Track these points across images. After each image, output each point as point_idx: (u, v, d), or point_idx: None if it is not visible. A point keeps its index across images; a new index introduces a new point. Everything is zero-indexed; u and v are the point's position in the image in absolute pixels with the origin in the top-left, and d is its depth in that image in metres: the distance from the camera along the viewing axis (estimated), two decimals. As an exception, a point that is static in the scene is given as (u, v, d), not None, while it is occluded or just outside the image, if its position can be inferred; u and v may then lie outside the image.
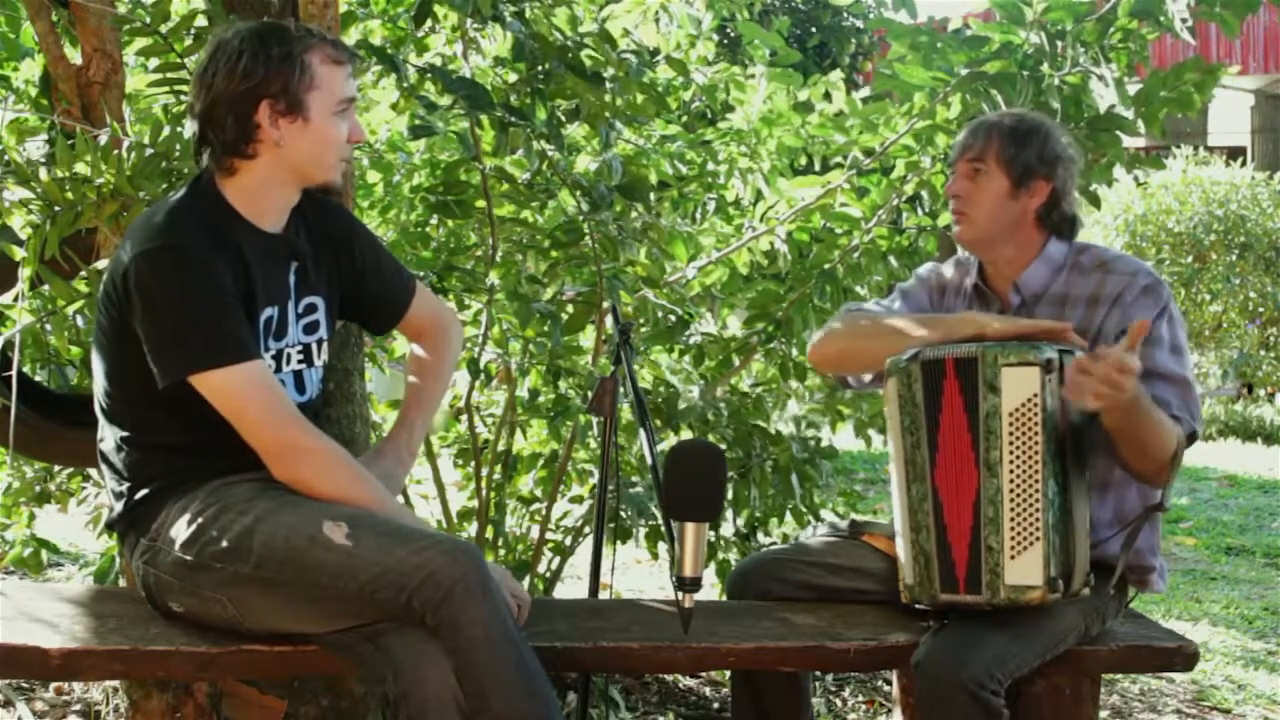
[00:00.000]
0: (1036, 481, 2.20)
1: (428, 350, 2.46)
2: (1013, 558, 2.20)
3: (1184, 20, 3.14)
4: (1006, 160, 2.41)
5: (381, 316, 2.43)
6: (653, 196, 3.42)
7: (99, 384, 2.19)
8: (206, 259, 2.06)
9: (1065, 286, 2.43)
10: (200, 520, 2.08)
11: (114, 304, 2.11)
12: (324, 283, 2.29)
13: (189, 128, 2.18)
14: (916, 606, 2.35)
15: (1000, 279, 2.49)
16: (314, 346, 2.27)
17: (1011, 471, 2.21)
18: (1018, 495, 2.21)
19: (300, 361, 2.25)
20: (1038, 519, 2.20)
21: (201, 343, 2.05)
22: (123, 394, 2.16)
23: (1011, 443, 2.21)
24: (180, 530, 2.09)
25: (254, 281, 2.14)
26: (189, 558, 2.08)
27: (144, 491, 2.16)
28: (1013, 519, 2.21)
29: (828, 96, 3.82)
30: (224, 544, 2.05)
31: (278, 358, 2.21)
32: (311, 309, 2.26)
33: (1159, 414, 2.25)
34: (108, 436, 2.20)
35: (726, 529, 3.55)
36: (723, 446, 3.20)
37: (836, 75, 3.86)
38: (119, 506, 2.19)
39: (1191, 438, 2.33)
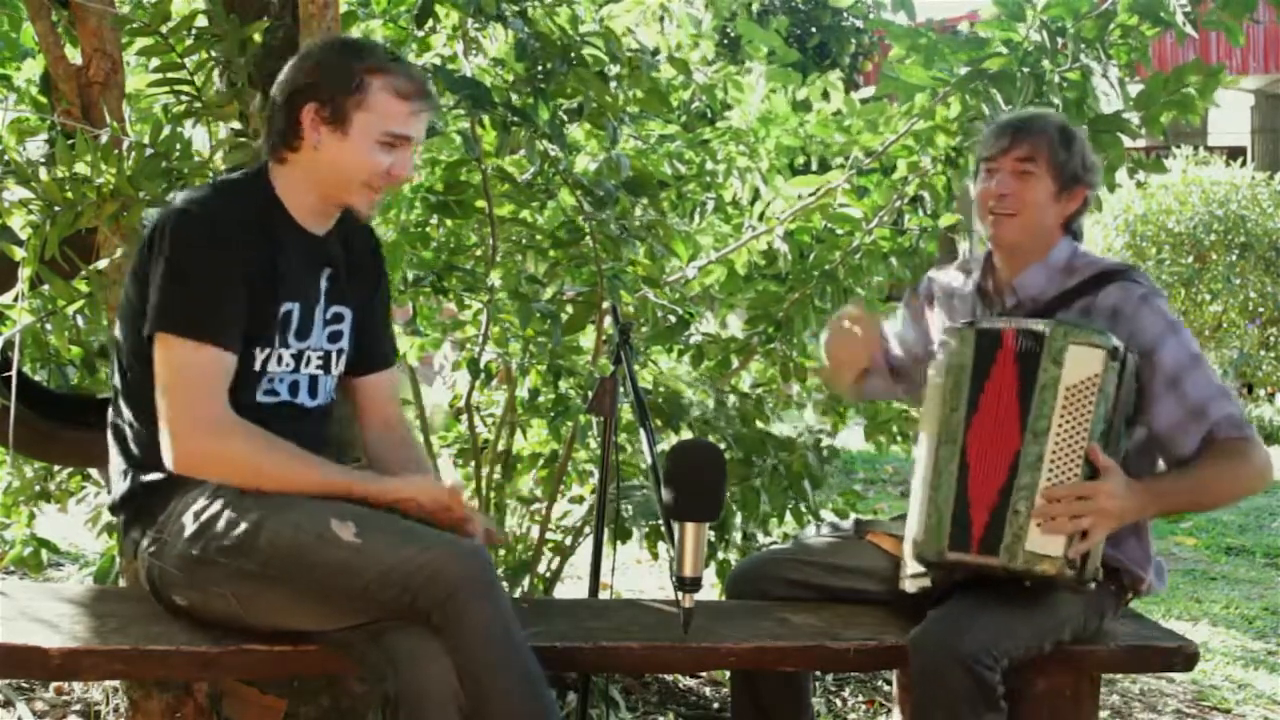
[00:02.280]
0: (1078, 458, 2.22)
1: (387, 442, 2.40)
2: (1039, 525, 2.22)
3: (1185, 13, 3.14)
4: (1058, 164, 2.39)
5: (360, 355, 2.37)
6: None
7: (122, 355, 2.21)
8: (229, 238, 2.10)
9: (1059, 290, 2.42)
10: (207, 515, 2.08)
11: (142, 258, 2.15)
12: (355, 298, 2.31)
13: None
14: (920, 563, 2.33)
15: (1004, 279, 2.49)
16: (334, 355, 2.28)
17: (1056, 442, 2.23)
18: (1057, 466, 2.23)
19: (319, 367, 2.26)
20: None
21: (179, 307, 2.08)
22: (139, 364, 2.16)
23: (1062, 415, 2.23)
24: (187, 524, 2.09)
25: (278, 272, 2.16)
26: (195, 552, 2.08)
27: (150, 476, 2.17)
28: (1048, 488, 2.22)
29: (826, 96, 3.82)
30: (230, 540, 2.05)
31: (298, 358, 2.22)
32: (339, 318, 2.28)
33: (1195, 484, 2.30)
34: (121, 413, 2.22)
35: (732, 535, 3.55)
36: (723, 446, 3.20)
37: (835, 75, 3.86)
38: (124, 486, 2.20)
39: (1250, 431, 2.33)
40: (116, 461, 2.22)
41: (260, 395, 2.19)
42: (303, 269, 2.20)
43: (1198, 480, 2.31)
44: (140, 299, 2.13)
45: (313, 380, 2.26)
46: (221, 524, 2.07)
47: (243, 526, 2.05)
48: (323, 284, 2.25)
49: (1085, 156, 2.43)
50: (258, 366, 2.17)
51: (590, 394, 2.57)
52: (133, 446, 2.19)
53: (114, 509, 2.26)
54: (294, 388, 2.23)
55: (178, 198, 2.16)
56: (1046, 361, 2.24)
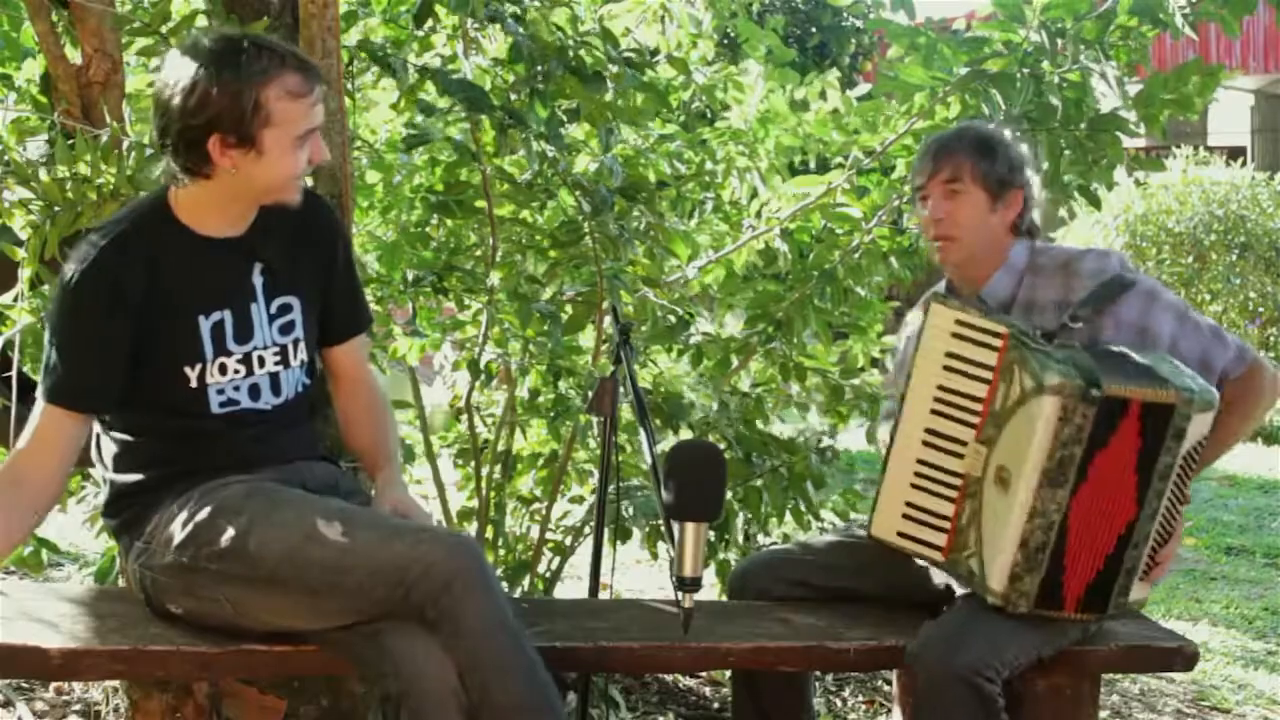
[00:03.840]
0: (1179, 509, 2.29)
1: (355, 405, 2.41)
2: (1141, 579, 2.27)
3: (1185, 15, 3.14)
4: (982, 175, 2.39)
5: (327, 327, 2.35)
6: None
7: None
8: (97, 303, 2.09)
9: (1030, 291, 2.41)
10: (195, 522, 2.09)
11: None
12: (301, 281, 2.27)
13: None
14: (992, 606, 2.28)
15: (968, 292, 2.47)
16: (290, 347, 2.25)
17: (1167, 505, 2.25)
18: (1164, 525, 2.27)
19: (277, 363, 2.23)
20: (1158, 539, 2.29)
21: (45, 376, 2.12)
22: None
23: (1176, 480, 2.24)
24: (175, 532, 2.10)
25: (189, 288, 2.14)
26: (185, 560, 2.09)
27: (125, 478, 2.19)
28: (1153, 544, 2.27)
29: (823, 95, 3.82)
30: (219, 546, 2.06)
31: (246, 361, 2.19)
32: (286, 309, 2.25)
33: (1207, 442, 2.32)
34: (101, 434, 2.23)
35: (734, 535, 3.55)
36: (723, 446, 3.20)
37: (832, 74, 3.85)
38: (106, 492, 2.23)
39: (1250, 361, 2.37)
40: (98, 468, 2.24)
41: (216, 408, 2.17)
42: (221, 275, 2.18)
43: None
44: None
45: (273, 378, 2.23)
46: (210, 531, 2.07)
47: (231, 532, 2.05)
48: (256, 280, 2.21)
49: (1011, 159, 2.42)
50: (194, 384, 2.15)
51: (590, 394, 2.57)
52: (109, 452, 2.21)
53: (104, 514, 2.27)
54: (254, 391, 2.21)
55: (75, 249, 2.15)
56: (1170, 441, 2.18)
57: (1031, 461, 2.18)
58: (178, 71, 2.05)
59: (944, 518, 2.32)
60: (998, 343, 2.25)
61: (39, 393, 2.13)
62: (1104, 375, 2.16)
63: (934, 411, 2.33)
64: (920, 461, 2.35)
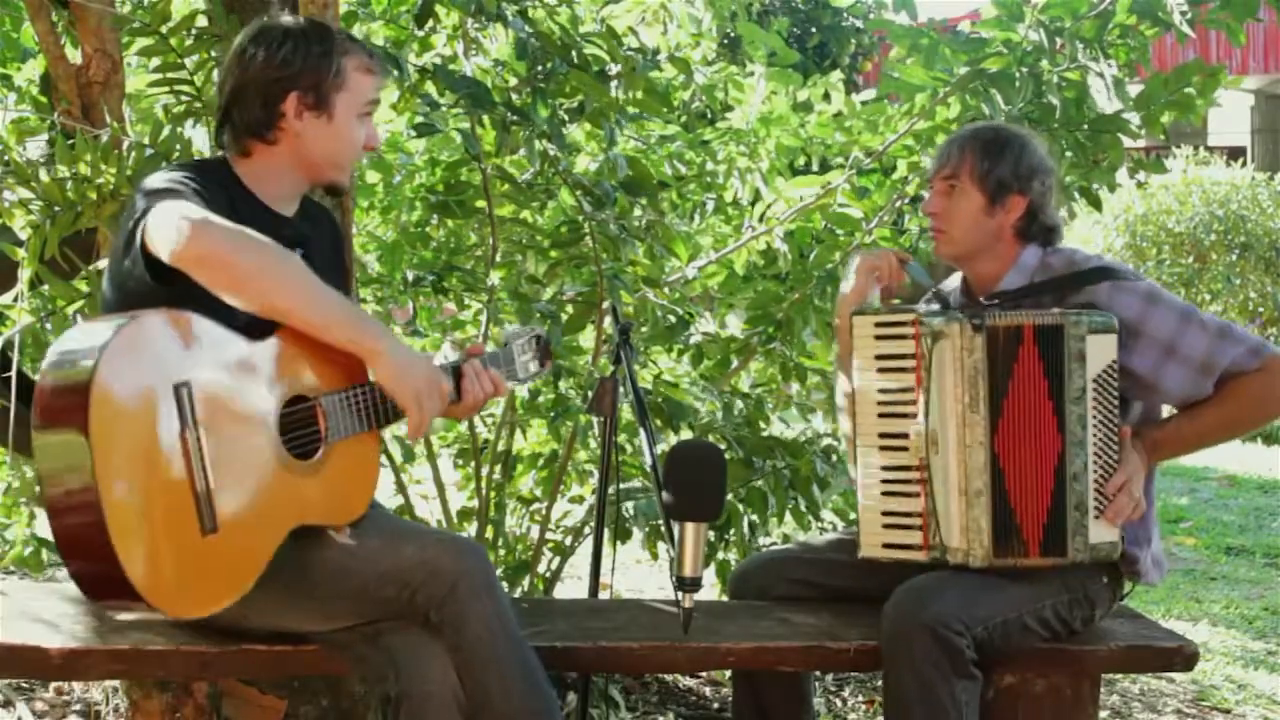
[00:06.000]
0: (1114, 442, 2.29)
1: None
2: (1096, 517, 2.27)
3: (1183, 14, 3.14)
4: (980, 177, 2.41)
5: None
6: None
7: None
8: (203, 191, 2.04)
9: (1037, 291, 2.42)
10: None
11: (117, 259, 2.06)
12: (328, 276, 2.28)
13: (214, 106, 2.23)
14: (956, 567, 2.31)
15: (980, 292, 2.49)
16: None
17: (1095, 434, 2.26)
18: (1100, 456, 2.28)
19: None
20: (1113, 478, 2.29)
21: (165, 191, 2.01)
22: None
23: (1095, 407, 2.26)
24: None
25: None
26: None
27: None
28: (1097, 480, 2.27)
29: (827, 97, 3.82)
30: None
31: None
32: None
33: (1205, 425, 2.35)
34: None
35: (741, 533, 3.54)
36: (723, 447, 3.20)
37: (836, 76, 3.86)
38: None
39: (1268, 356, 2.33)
40: None
41: None
42: None
43: (1204, 424, 2.36)
44: (120, 264, 2.06)
45: None
46: None
47: None
48: None
49: (1019, 164, 2.41)
50: None
51: (590, 394, 2.57)
52: None
53: None
54: None
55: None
56: (1073, 363, 2.25)
57: (949, 410, 2.29)
58: (266, 35, 2.17)
59: (915, 515, 2.35)
60: (911, 330, 2.34)
61: (174, 198, 1.98)
62: (988, 313, 2.30)
63: (881, 415, 2.39)
64: (884, 467, 2.39)
